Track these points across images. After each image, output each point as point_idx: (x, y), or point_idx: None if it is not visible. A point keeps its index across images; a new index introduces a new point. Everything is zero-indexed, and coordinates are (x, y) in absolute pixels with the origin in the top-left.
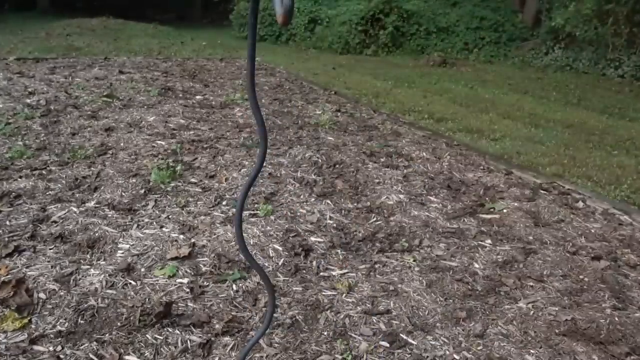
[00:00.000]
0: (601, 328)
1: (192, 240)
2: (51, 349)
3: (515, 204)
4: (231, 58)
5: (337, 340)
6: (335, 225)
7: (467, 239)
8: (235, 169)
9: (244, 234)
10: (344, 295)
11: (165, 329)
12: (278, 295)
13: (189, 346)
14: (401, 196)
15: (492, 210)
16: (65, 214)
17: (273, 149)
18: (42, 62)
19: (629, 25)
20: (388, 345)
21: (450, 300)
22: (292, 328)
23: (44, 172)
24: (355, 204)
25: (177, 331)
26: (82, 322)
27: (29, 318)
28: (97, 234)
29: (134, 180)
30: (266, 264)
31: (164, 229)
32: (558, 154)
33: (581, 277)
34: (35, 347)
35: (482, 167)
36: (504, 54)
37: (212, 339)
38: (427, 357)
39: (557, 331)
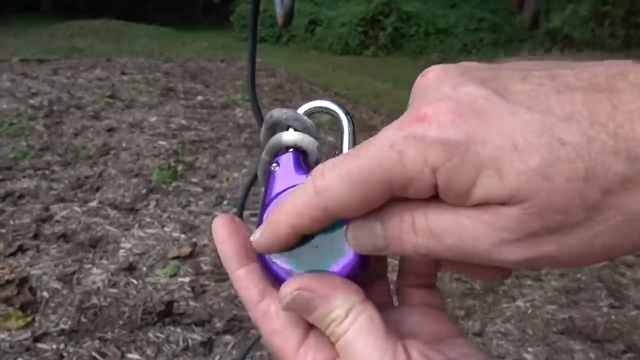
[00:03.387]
0: (598, 326)
1: (194, 239)
2: (54, 347)
3: None
4: (232, 59)
5: None
6: None
7: None
8: (236, 169)
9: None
10: None
11: (166, 328)
12: None
13: (190, 344)
14: None
15: None
16: (68, 213)
17: None
18: (45, 64)
19: (626, 27)
20: None
21: (449, 299)
22: None
23: (47, 172)
24: None
25: (178, 329)
26: (84, 320)
27: (32, 316)
28: (99, 234)
29: (135, 180)
30: None
31: (165, 228)
32: None
33: (578, 276)
34: (39, 345)
35: None
36: (503, 55)
37: (213, 337)
38: None
39: (554, 329)
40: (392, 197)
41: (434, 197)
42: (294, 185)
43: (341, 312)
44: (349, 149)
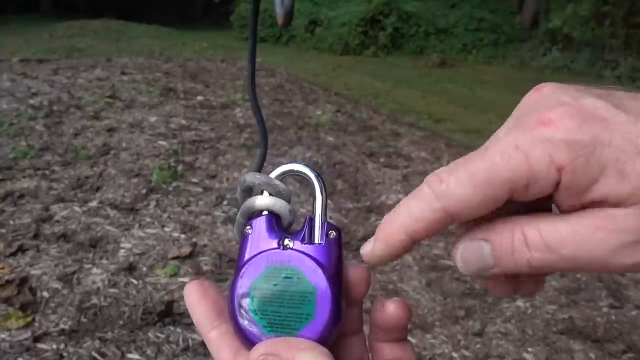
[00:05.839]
0: (598, 326)
1: (194, 239)
2: (54, 347)
3: None
4: (232, 59)
5: None
6: (335, 224)
7: None
8: (236, 169)
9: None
10: None
11: (166, 328)
12: None
13: (190, 344)
14: (400, 196)
15: None
16: (68, 213)
17: (273, 149)
18: (45, 63)
19: (626, 26)
20: None
21: (449, 299)
22: None
23: (47, 172)
24: (355, 204)
25: (178, 330)
26: (84, 320)
27: (32, 317)
28: (99, 234)
29: (135, 180)
30: None
31: (165, 228)
32: None
33: (578, 276)
34: (39, 345)
35: None
36: (502, 55)
37: None
38: (427, 355)
39: (554, 329)
40: (505, 204)
41: (541, 211)
42: (266, 250)
43: None
44: (321, 211)
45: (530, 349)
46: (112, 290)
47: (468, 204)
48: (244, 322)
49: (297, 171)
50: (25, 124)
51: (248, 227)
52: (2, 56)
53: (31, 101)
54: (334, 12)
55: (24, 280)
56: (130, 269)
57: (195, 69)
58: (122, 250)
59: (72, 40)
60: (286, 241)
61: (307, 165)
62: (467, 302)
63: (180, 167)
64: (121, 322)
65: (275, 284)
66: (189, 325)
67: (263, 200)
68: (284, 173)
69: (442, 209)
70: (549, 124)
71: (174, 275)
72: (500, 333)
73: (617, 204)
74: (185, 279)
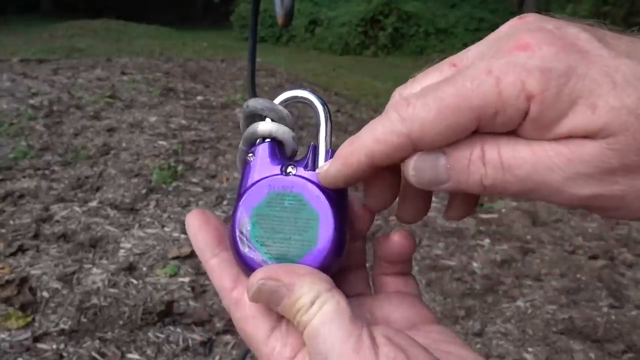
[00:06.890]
0: (598, 326)
1: None
2: (54, 347)
3: (514, 204)
4: (232, 59)
5: None
6: None
7: (465, 238)
8: (236, 169)
9: None
10: None
11: (166, 328)
12: None
13: (190, 344)
14: None
15: (490, 209)
16: (68, 213)
17: None
18: (45, 64)
19: (626, 27)
20: None
21: (449, 299)
22: None
23: (47, 172)
24: None
25: (178, 329)
26: (84, 320)
27: (32, 317)
28: (99, 234)
29: (135, 180)
30: None
31: (165, 228)
32: None
33: (578, 276)
34: (39, 345)
35: None
36: None
37: (213, 337)
38: None
39: (554, 329)
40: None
41: (507, 133)
42: (268, 177)
43: (307, 301)
44: (325, 139)
45: (530, 349)
46: (112, 290)
47: (432, 130)
48: (245, 249)
49: (302, 97)
50: (25, 124)
51: (250, 154)
52: (2, 56)
53: (31, 101)
54: (334, 12)
55: (24, 280)
56: (130, 269)
57: (195, 69)
58: (122, 250)
59: (72, 40)
60: (289, 168)
61: (311, 92)
62: (467, 302)
63: (180, 167)
64: (121, 322)
65: (277, 210)
66: (189, 325)
67: (265, 126)
68: (288, 99)
69: (405, 134)
70: (526, 48)
71: (174, 275)
72: (500, 333)
73: (585, 137)
74: (186, 279)
